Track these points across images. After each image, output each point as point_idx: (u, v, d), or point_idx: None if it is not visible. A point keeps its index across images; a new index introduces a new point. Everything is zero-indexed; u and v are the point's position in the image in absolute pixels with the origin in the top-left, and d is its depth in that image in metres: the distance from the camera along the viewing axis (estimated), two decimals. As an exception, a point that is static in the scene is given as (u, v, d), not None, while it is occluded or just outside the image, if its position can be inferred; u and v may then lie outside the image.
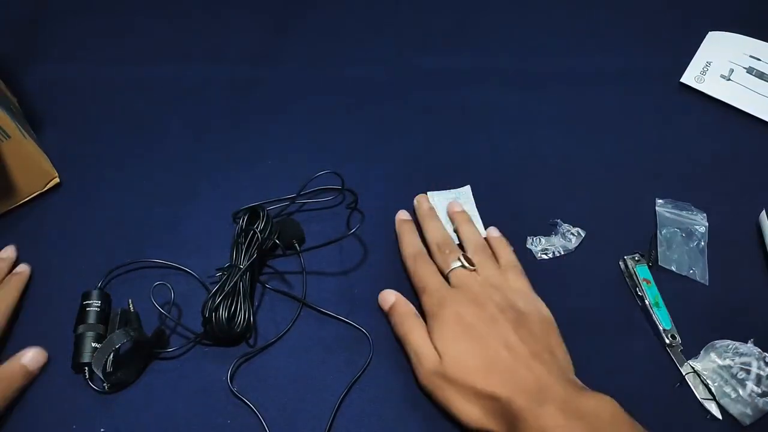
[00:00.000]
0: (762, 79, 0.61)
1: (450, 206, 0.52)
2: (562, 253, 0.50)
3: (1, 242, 0.51)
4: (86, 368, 0.43)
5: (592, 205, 0.54)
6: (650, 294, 0.47)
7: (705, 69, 0.62)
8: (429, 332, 0.43)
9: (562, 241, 0.49)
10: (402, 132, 0.58)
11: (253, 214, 0.48)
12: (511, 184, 0.55)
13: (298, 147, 0.57)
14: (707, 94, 0.60)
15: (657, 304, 0.46)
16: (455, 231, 0.51)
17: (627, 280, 0.49)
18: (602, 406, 0.36)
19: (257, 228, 0.46)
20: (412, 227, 0.51)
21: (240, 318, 0.44)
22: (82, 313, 0.45)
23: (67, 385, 0.44)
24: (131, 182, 0.55)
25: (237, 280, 0.45)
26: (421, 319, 0.45)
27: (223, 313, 0.43)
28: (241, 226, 0.47)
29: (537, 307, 0.44)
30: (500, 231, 0.51)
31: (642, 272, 0.48)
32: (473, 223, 0.51)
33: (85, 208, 0.53)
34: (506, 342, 0.40)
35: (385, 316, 0.47)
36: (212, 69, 0.63)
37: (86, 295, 0.46)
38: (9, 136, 0.48)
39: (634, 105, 0.60)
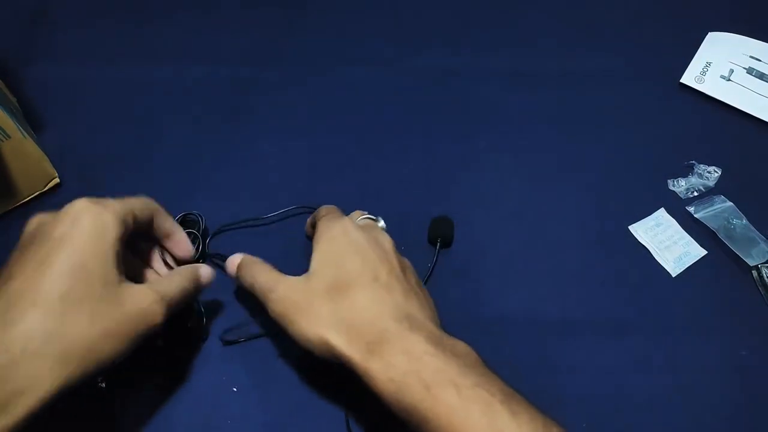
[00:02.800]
0: (762, 80, 0.61)
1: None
2: (703, 191, 0.52)
3: (1, 242, 0.51)
4: None
5: (592, 205, 0.54)
6: None
7: (705, 69, 0.62)
8: (314, 247, 0.41)
9: (700, 180, 0.51)
10: (402, 132, 0.58)
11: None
12: (511, 184, 0.55)
13: (298, 147, 0.57)
14: (707, 95, 0.60)
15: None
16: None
17: (760, 289, 0.49)
18: (465, 347, 0.36)
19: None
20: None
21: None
22: None
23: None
24: (131, 182, 0.54)
25: None
26: (270, 266, 0.42)
27: None
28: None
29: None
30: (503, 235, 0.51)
31: None
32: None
33: (85, 208, 0.53)
34: (390, 267, 0.39)
35: (236, 282, 0.44)
36: (212, 69, 0.62)
37: None
38: (9, 136, 0.48)
39: (634, 105, 0.60)
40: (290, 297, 0.39)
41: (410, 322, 0.36)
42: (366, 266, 0.39)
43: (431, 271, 0.49)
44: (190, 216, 0.50)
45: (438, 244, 0.50)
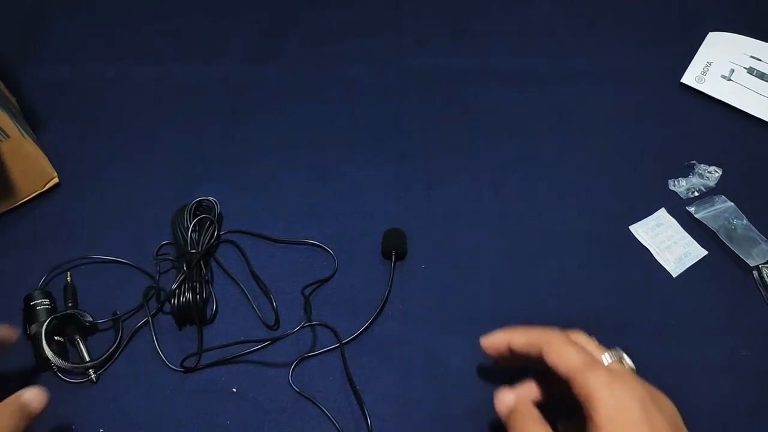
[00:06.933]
0: (762, 80, 0.61)
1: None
2: (704, 191, 0.52)
3: (0, 241, 0.51)
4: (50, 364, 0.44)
5: (592, 205, 0.54)
6: None
7: (705, 69, 0.62)
8: (596, 407, 0.34)
9: (701, 180, 0.51)
10: (402, 132, 0.58)
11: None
12: (511, 184, 0.55)
13: (297, 146, 0.57)
14: (708, 95, 0.60)
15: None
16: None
17: (761, 289, 0.49)
18: None
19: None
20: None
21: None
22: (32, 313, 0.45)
23: (66, 386, 0.44)
24: (130, 182, 0.55)
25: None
26: (547, 425, 0.36)
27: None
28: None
29: None
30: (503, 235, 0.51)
31: None
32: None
33: (84, 208, 0.53)
34: None
35: (504, 424, 0.39)
36: (211, 69, 0.62)
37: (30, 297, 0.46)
38: (8, 136, 0.48)
39: (634, 105, 0.60)
40: None
41: None
42: None
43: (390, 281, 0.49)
44: (205, 202, 0.51)
45: (393, 257, 0.49)
